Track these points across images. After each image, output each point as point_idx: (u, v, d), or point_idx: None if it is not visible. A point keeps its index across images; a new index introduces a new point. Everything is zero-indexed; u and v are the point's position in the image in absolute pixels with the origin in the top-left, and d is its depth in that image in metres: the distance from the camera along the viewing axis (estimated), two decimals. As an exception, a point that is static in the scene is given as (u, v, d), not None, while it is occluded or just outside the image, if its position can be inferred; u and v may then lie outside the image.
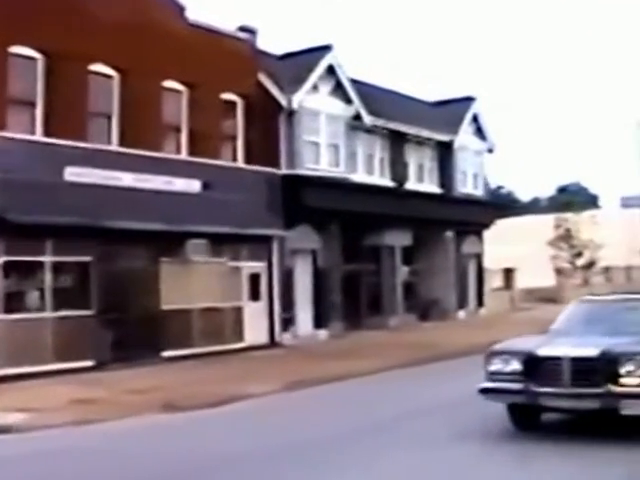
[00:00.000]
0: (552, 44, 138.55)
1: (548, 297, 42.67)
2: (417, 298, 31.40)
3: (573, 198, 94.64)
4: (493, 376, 9.80)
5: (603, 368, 8.96)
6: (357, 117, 26.33)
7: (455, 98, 33.37)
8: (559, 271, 31.79)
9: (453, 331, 27.15)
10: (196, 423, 12.76)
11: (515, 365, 9.56)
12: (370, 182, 27.67)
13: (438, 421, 11.37)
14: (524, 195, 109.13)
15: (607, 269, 48.93)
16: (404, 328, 27.38)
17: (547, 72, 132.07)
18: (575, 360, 9.14)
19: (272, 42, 41.58)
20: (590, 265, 32.45)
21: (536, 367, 9.37)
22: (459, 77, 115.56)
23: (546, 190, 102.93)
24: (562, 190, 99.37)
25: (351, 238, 27.18)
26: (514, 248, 41.41)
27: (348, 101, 25.96)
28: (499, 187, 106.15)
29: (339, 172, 25.75)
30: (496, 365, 9.76)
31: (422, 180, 31.02)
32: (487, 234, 36.07)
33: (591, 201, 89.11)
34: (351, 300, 27.63)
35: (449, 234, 31.97)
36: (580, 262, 31.97)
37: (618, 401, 8.89)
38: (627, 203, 62.09)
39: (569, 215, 35.01)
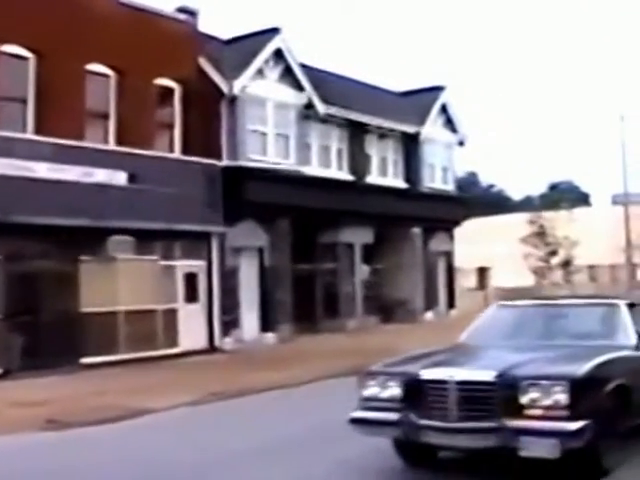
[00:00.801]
0: (541, 38, 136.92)
1: (526, 297, 41.21)
2: (380, 299, 29.97)
3: (563, 196, 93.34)
4: (367, 403, 7.86)
5: (500, 395, 7.01)
6: (310, 105, 24.83)
7: (423, 88, 31.88)
8: (534, 270, 30.33)
9: (415, 334, 25.58)
10: (71, 443, 11.25)
11: (394, 390, 7.63)
12: (326, 175, 26.17)
13: (322, 450, 9.67)
14: (516, 193, 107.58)
15: (592, 267, 47.52)
16: (363, 331, 25.90)
17: (537, 68, 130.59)
18: (464, 385, 7.17)
19: (223, 26, 39.90)
20: (566, 263, 31.00)
21: (418, 393, 7.42)
22: (445, 71, 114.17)
23: (538, 188, 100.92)
24: (553, 188, 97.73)
25: (305, 235, 25.71)
26: (492, 247, 39.82)
27: (299, 88, 24.45)
28: (490, 186, 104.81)
29: (289, 164, 24.25)
30: (372, 389, 7.84)
31: (385, 174, 29.52)
32: (462, 232, 34.64)
33: (582, 199, 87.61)
34: (305, 301, 26.16)
35: (416, 231, 30.48)
36: (555, 260, 30.51)
37: (517, 439, 6.92)
38: (618, 200, 60.89)
39: (547, 213, 33.52)
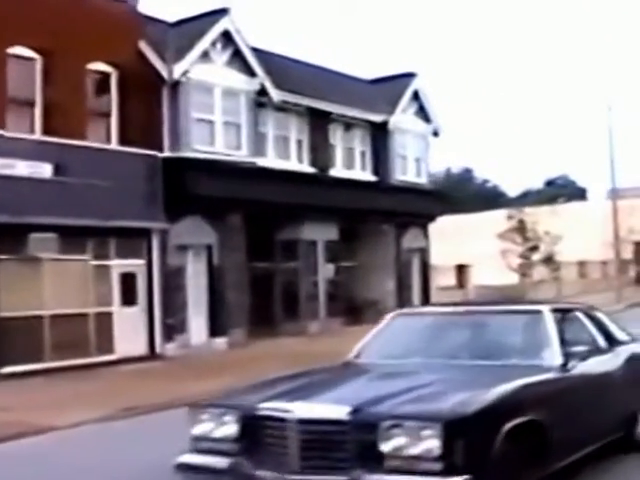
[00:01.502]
0: (528, 31, 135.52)
1: (512, 295, 39.78)
2: (348, 299, 28.53)
3: (560, 191, 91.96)
4: (199, 443, 6.19)
5: (355, 440, 5.36)
6: (263, 92, 23.34)
7: (394, 75, 30.35)
8: (513, 268, 28.80)
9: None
10: None
11: (230, 427, 5.96)
12: (284, 168, 24.68)
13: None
14: (513, 189, 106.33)
15: (582, 263, 46.06)
16: (326, 334, 24.42)
17: (525, 59, 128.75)
18: (307, 424, 5.50)
19: (170, 9, 38.36)
20: (548, 259, 29.49)
21: (255, 433, 5.79)
22: (435, 64, 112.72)
23: (534, 184, 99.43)
24: (550, 183, 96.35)
25: (262, 232, 24.24)
26: (475, 244, 38.36)
27: (250, 73, 22.94)
28: (485, 181, 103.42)
29: (241, 155, 22.77)
30: (204, 425, 6.16)
31: (352, 166, 28.04)
32: (442, 229, 33.27)
33: (579, 194, 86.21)
34: (263, 303, 24.73)
35: (387, 227, 28.99)
36: (536, 257, 28.98)
37: None
38: (615, 195, 59.64)
39: (530, 208, 31.99)
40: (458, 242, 40.99)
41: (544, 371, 6.52)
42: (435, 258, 40.43)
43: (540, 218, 30.20)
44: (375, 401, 5.51)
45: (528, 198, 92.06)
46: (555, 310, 7.33)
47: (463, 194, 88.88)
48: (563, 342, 6.86)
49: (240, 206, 22.53)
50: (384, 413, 5.33)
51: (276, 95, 23.58)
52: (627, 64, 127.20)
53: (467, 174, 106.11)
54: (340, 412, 5.42)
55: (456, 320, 7.75)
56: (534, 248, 28.87)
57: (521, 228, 28.86)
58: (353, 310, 28.58)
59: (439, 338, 7.50)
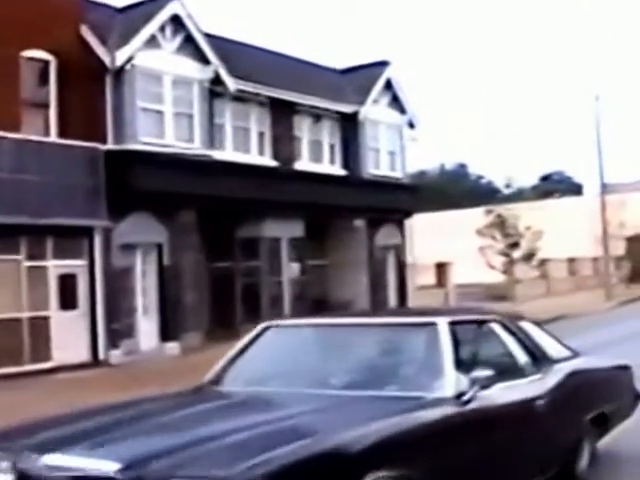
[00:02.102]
0: (513, 24, 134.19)
1: (497, 294, 38.57)
2: (317, 300, 27.33)
3: (556, 187, 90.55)
4: None
5: None
6: (218, 81, 22.12)
7: (366, 64, 29.12)
8: (492, 265, 27.52)
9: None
10: None
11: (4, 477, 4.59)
12: (243, 161, 23.47)
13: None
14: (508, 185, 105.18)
15: (572, 260, 44.83)
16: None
17: (524, 55, 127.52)
18: None
19: None
20: (529, 257, 28.19)
21: None
22: (422, 58, 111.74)
23: (530, 180, 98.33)
24: (545, 179, 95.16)
25: (220, 229, 23.05)
26: (458, 242, 37.13)
27: (204, 60, 21.72)
28: (479, 177, 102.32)
29: (194, 148, 21.56)
30: None
31: (320, 159, 26.81)
32: (423, 226, 32.09)
33: (575, 189, 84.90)
34: (222, 304, 23.55)
35: (359, 223, 27.77)
36: (517, 254, 27.67)
37: None
38: (609, 190, 58.33)
39: (513, 204, 30.66)
40: (442, 239, 39.77)
41: (429, 405, 5.09)
42: (418, 256, 39.32)
43: (524, 214, 28.90)
44: (156, 455, 4.21)
45: (524, 194, 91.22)
46: (457, 322, 5.79)
47: (457, 190, 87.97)
48: (462, 365, 5.37)
49: (193, 202, 21.33)
50: (156, 474, 4.06)
51: (232, 84, 22.35)
52: (621, 55, 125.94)
53: (462, 170, 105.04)
54: (107, 468, 4.16)
55: (332, 336, 6.36)
56: (514, 245, 27.59)
57: (501, 223, 27.57)
58: (324, 311, 27.35)
59: (309, 359, 6.22)
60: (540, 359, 6.55)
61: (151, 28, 20.31)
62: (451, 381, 5.27)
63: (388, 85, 28.73)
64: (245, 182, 22.57)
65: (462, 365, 5.38)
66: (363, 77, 28.36)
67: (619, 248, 42.52)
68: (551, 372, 6.51)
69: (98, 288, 19.28)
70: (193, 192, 20.81)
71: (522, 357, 6.44)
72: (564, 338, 7.74)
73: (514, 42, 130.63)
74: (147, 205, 20.21)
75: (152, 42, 20.52)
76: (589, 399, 6.96)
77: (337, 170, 27.18)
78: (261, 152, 24.45)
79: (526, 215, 29.61)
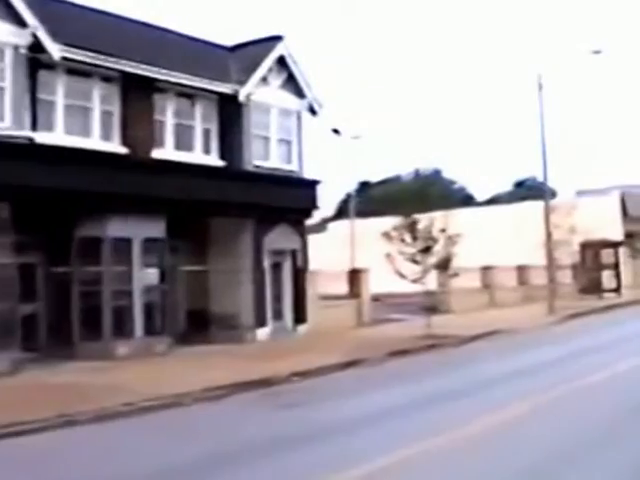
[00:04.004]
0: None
1: (429, 306, 35.03)
2: (188, 313, 24.00)
3: (529, 193, 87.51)
4: None
5: None
6: (39, 47, 18.60)
7: (257, 39, 25.66)
8: (401, 273, 24.12)
9: (201, 364, 19.45)
10: None
11: None
12: (81, 146, 19.93)
13: None
14: (483, 192, 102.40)
15: (522, 268, 41.38)
16: (140, 358, 19.69)
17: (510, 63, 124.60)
18: None
19: None
20: (445, 264, 24.79)
21: None
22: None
23: (505, 186, 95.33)
24: (519, 185, 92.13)
25: (49, 227, 19.52)
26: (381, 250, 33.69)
27: (20, 23, 18.21)
28: (451, 182, 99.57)
29: (3, 128, 18.03)
30: None
31: (191, 147, 23.29)
32: (345, 234, 28.59)
33: (551, 196, 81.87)
34: (56, 318, 20.03)
35: (243, 223, 24.26)
36: (431, 260, 24.26)
37: None
38: (582, 195, 55.41)
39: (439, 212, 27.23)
40: (359, 248, 36.41)
41: None
42: (340, 264, 35.85)
43: (470, 218, 25.34)
44: None
45: (500, 200, 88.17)
46: None
47: (430, 195, 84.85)
48: None
49: (10, 194, 17.77)
50: None
51: (56, 51, 18.80)
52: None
53: (436, 175, 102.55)
54: None
55: None
56: (426, 250, 24.18)
57: (410, 226, 24.16)
58: (197, 327, 23.91)
59: None
60: None
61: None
62: None
63: (282, 64, 25.26)
64: (84, 172, 19.15)
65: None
66: (252, 55, 24.90)
67: (572, 255, 39.03)
68: None
69: None
70: (9, 182, 17.28)
71: None
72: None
73: (491, 50, 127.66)
74: None
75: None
76: None
77: (213, 160, 23.66)
78: (106, 136, 20.89)
79: (473, 220, 26.01)
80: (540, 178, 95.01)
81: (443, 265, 25.27)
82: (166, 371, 18.34)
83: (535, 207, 45.43)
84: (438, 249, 24.92)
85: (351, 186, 57.74)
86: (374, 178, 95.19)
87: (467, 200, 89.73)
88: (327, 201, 46.65)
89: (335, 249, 42.96)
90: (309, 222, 27.12)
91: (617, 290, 41.99)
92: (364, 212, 58.45)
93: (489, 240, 47.81)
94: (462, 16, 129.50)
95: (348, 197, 68.89)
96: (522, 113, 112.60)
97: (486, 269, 38.20)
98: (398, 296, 33.07)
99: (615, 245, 42.94)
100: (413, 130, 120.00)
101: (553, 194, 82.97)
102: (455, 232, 24.91)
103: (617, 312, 34.95)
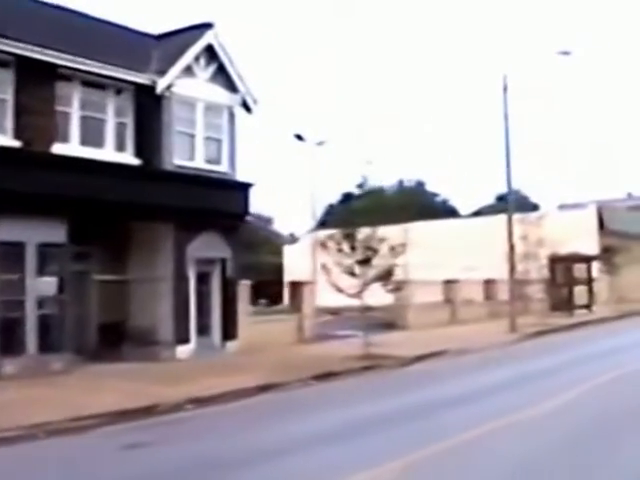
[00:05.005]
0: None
1: (385, 321, 32.92)
2: (98, 326, 21.86)
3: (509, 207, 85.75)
4: None
5: None
6: None
7: (187, 27, 23.57)
8: (337, 286, 21.98)
9: (91, 387, 17.25)
10: None
11: None
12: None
13: None
14: (467, 205, 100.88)
15: (489, 282, 39.31)
16: (33, 378, 17.50)
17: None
18: None
19: None
20: (387, 276, 22.63)
21: None
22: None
23: (488, 199, 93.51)
24: (501, 199, 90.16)
25: None
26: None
27: None
28: (433, 195, 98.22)
29: None
30: None
31: (101, 143, 21.09)
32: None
33: (531, 209, 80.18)
34: None
35: (163, 228, 22.10)
36: (372, 272, 22.14)
37: None
38: (563, 209, 53.74)
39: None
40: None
41: None
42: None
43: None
44: None
45: (482, 213, 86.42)
46: None
47: (414, 208, 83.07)
48: None
49: None
50: None
51: None
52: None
53: (419, 187, 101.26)
54: None
55: None
56: (366, 261, 22.02)
57: (349, 236, 22.02)
58: (111, 343, 21.72)
59: None
60: None
61: None
62: None
63: (212, 54, 23.14)
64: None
65: None
66: (178, 44, 22.80)
67: (542, 270, 36.94)
68: None
69: None
70: None
71: None
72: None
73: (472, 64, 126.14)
74: None
75: None
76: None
77: (127, 158, 21.47)
78: (-2, 128, 18.69)
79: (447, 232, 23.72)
80: (523, 191, 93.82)
81: (384, 278, 23.02)
82: (48, 394, 16.09)
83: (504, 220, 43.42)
84: (381, 261, 22.73)
85: (334, 197, 56.18)
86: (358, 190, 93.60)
87: (450, 213, 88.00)
88: (312, 212, 45.26)
89: (306, 260, 41.14)
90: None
91: (589, 307, 39.94)
92: (345, 223, 56.63)
93: (461, 253, 45.91)
94: (443, 21, 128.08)
95: (331, 208, 67.20)
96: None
97: (449, 283, 36.09)
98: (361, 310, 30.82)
99: (587, 259, 40.87)
100: (397, 142, 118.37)
101: (536, 207, 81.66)
102: (400, 243, 22.79)
103: (584, 330, 32.88)
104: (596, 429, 11.83)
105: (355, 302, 23.22)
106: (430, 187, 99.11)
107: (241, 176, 24.43)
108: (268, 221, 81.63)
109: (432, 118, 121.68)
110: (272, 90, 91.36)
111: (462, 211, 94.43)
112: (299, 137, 43.44)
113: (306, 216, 47.52)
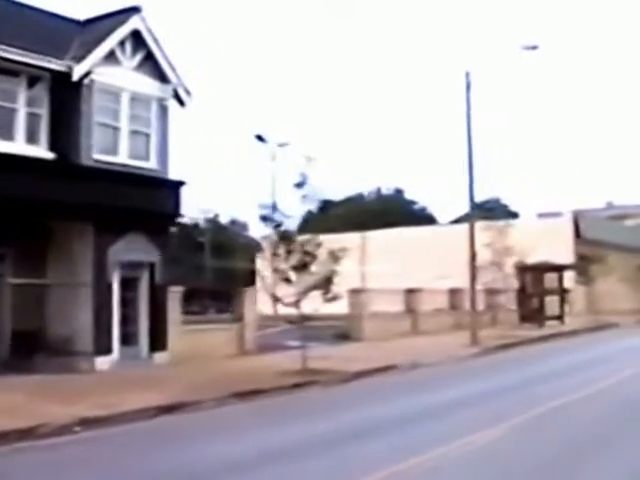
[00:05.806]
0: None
1: (340, 332, 31.25)
2: (20, 334, 20.08)
3: (489, 215, 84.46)
4: None
5: None
6: None
7: (113, 11, 21.87)
8: (273, 294, 20.28)
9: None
10: None
11: None
12: None
13: None
14: (445, 213, 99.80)
15: (454, 292, 37.68)
16: None
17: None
18: None
19: None
20: (325, 285, 20.90)
21: None
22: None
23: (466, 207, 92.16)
24: (480, 207, 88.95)
25: None
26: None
27: None
28: (411, 202, 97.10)
29: None
30: None
31: (10, 135, 19.36)
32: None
33: (511, 217, 78.98)
34: None
35: (82, 229, 20.38)
36: (310, 279, 20.45)
37: None
38: (542, 217, 52.80)
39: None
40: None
41: None
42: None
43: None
44: None
45: (460, 222, 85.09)
46: None
47: (393, 215, 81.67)
48: None
49: None
50: None
51: None
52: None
53: (398, 195, 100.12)
54: None
55: None
56: (302, 267, 20.30)
57: (286, 239, 20.29)
58: (24, 352, 19.97)
59: None
60: None
61: None
62: None
63: (139, 41, 21.46)
64: None
65: None
66: (102, 29, 21.11)
67: (507, 279, 35.25)
68: None
69: None
70: None
71: None
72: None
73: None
74: None
75: None
76: None
77: (39, 152, 19.74)
78: None
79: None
80: (502, 200, 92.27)
81: (322, 286, 21.23)
82: None
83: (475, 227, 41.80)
84: (319, 268, 21.00)
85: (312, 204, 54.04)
86: (337, 197, 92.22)
87: (428, 220, 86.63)
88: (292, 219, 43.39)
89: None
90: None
91: (560, 318, 38.33)
92: (323, 230, 55.14)
93: (433, 262, 44.36)
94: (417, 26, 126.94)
95: (311, 214, 65.77)
96: (486, 136, 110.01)
97: (410, 292, 34.41)
98: (325, 318, 28.97)
99: (559, 269, 39.25)
100: (375, 149, 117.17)
101: (515, 216, 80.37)
102: (340, 247, 21.08)
103: (553, 343, 31.25)
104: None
105: (326, 310, 21.40)
106: (408, 195, 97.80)
107: (174, 174, 22.76)
108: (243, 227, 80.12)
109: (411, 125, 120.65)
110: (235, 89, 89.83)
111: (441, 219, 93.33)
112: (260, 138, 41.81)
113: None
